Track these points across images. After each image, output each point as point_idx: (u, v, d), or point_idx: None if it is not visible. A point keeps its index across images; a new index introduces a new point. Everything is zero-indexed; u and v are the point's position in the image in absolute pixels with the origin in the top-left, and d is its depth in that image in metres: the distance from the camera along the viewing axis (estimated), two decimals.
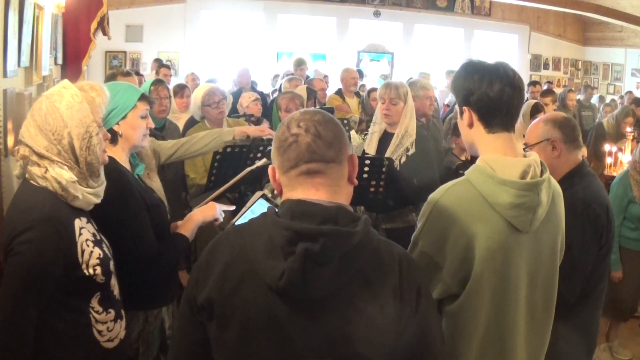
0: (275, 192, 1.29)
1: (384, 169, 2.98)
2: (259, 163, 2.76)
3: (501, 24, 11.40)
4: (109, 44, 7.69)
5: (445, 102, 6.86)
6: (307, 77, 6.33)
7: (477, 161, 1.51)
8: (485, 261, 1.42)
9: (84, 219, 1.65)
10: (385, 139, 3.28)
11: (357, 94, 6.01)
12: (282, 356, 1.15)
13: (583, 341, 2.17)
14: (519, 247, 1.46)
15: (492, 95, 1.47)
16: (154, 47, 9.37)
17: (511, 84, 1.48)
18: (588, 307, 2.18)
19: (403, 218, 3.24)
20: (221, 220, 2.20)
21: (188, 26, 9.78)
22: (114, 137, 2.01)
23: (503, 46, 11.50)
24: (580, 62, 12.16)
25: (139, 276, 1.93)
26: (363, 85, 7.57)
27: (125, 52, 9.30)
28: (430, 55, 11.00)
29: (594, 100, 8.76)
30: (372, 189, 3.00)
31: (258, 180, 2.95)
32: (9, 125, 2.54)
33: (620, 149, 5.31)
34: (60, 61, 4.74)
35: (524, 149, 1.66)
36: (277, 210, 1.22)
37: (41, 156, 1.58)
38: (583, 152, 2.29)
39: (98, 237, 1.69)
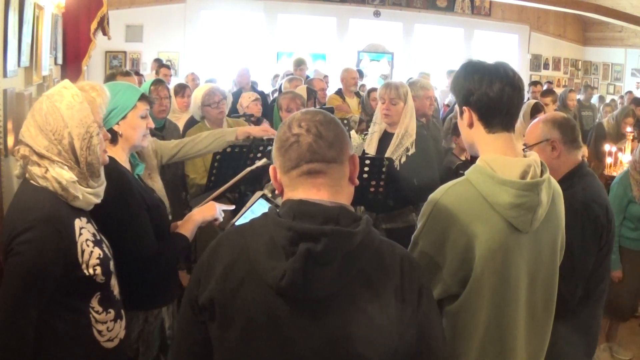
0: (277, 192, 1.29)
1: (384, 169, 2.98)
2: (259, 163, 2.76)
3: (501, 24, 11.41)
4: (109, 44, 7.70)
5: (446, 102, 6.86)
6: (307, 77, 6.33)
7: (477, 161, 1.51)
8: (485, 261, 1.42)
9: (84, 219, 1.65)
10: (385, 139, 3.28)
11: (357, 94, 6.01)
12: (283, 356, 1.15)
13: (583, 341, 2.17)
14: (519, 247, 1.46)
15: (492, 95, 1.47)
16: (154, 47, 9.37)
17: (511, 84, 1.48)
18: (588, 307, 2.18)
19: (403, 218, 3.24)
20: (221, 220, 2.20)
21: (188, 26, 9.79)
22: (114, 137, 2.01)
23: (503, 46, 11.50)
24: (580, 62, 12.17)
25: (139, 276, 1.93)
26: (363, 85, 7.57)
27: (125, 52, 9.31)
28: (430, 55, 11.01)
29: (594, 100, 8.76)
30: (372, 189, 3.00)
31: (258, 180, 2.96)
32: (9, 125, 2.54)
33: (620, 149, 5.31)
34: (60, 61, 4.74)
35: (523, 149, 1.66)
36: (278, 210, 1.22)
37: (41, 156, 1.58)
38: (583, 152, 2.29)
39: (98, 237, 1.69)
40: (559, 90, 7.88)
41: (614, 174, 4.84)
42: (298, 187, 1.22)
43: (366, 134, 3.60)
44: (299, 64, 6.42)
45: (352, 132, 4.39)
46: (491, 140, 1.50)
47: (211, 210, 2.16)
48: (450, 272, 1.45)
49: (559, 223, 1.58)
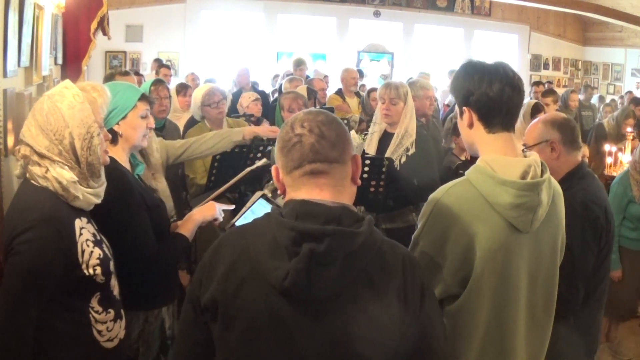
0: (279, 192, 1.29)
1: (384, 169, 2.98)
2: (259, 163, 2.76)
3: (501, 24, 11.41)
4: (109, 44, 7.70)
5: (446, 102, 6.86)
6: (307, 77, 6.33)
7: (478, 161, 1.51)
8: (485, 261, 1.42)
9: (85, 219, 1.65)
10: (385, 139, 3.28)
11: (357, 94, 6.01)
12: (285, 356, 1.15)
13: (583, 341, 2.17)
14: (520, 247, 1.46)
15: (492, 95, 1.47)
16: (154, 47, 9.37)
17: (511, 84, 1.48)
18: (588, 307, 2.18)
19: (403, 218, 3.24)
20: (221, 220, 2.20)
21: (188, 26, 9.79)
22: (114, 137, 2.01)
23: (503, 46, 11.50)
24: (580, 62, 12.17)
25: (139, 276, 1.93)
26: (363, 85, 7.57)
27: (125, 52, 9.31)
28: (430, 55, 11.01)
29: (594, 100, 8.77)
30: (372, 189, 3.00)
31: (258, 180, 2.96)
32: (9, 125, 2.54)
33: (620, 149, 5.31)
34: (60, 61, 4.74)
35: (522, 150, 1.66)
36: (280, 210, 1.22)
37: (42, 156, 1.58)
38: (583, 152, 2.28)
39: (98, 237, 1.69)
40: (558, 91, 7.88)
41: (614, 174, 4.84)
42: (301, 187, 1.22)
43: (366, 134, 3.60)
44: (299, 64, 6.42)
45: (352, 132, 4.39)
46: (491, 141, 1.50)
47: (211, 210, 2.16)
48: (450, 272, 1.45)
49: (559, 223, 1.58)
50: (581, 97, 8.03)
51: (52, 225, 1.52)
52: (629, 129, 5.51)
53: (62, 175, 1.57)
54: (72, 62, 4.92)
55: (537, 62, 11.85)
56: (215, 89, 3.74)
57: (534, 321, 1.53)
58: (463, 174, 1.51)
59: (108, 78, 3.66)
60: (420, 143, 3.17)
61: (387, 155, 3.14)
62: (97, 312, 1.64)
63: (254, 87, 6.46)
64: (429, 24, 11.05)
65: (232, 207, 2.29)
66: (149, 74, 7.57)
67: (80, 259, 1.58)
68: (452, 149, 4.15)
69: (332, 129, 1.22)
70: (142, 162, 2.28)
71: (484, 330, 1.46)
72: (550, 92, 5.50)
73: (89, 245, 1.61)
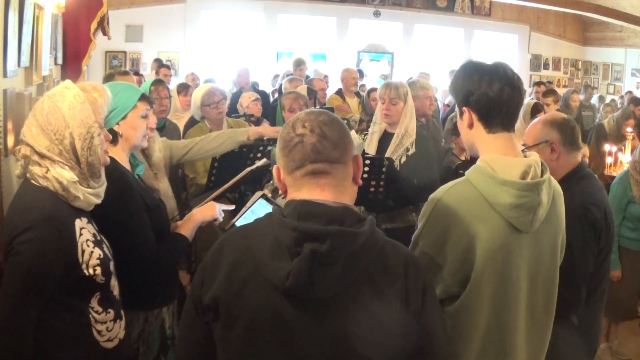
0: (280, 192, 1.29)
1: (384, 169, 2.98)
2: (259, 163, 2.76)
3: (501, 24, 11.41)
4: (109, 44, 7.70)
5: (446, 102, 6.86)
6: (307, 77, 6.33)
7: (478, 161, 1.51)
8: (485, 261, 1.42)
9: (85, 219, 1.65)
10: (385, 139, 3.28)
11: (357, 94, 6.01)
12: (287, 356, 1.16)
13: (584, 342, 2.16)
14: (520, 247, 1.46)
15: (491, 95, 1.47)
16: (154, 47, 9.37)
17: (510, 84, 1.48)
18: (589, 307, 2.17)
19: (403, 218, 3.24)
20: (221, 220, 2.21)
21: (188, 26, 9.79)
22: (114, 138, 2.01)
23: (503, 46, 11.50)
24: (580, 62, 12.16)
25: (139, 276, 1.93)
26: (363, 85, 7.57)
27: (125, 52, 9.31)
28: (430, 55, 11.01)
29: (594, 100, 8.77)
30: (372, 189, 3.00)
31: (258, 180, 2.96)
32: (9, 125, 2.54)
33: (620, 149, 5.31)
34: (60, 61, 4.74)
35: (522, 150, 1.66)
36: (282, 210, 1.22)
37: (42, 156, 1.58)
38: (584, 152, 2.27)
39: (98, 238, 1.69)
40: (558, 91, 7.88)
41: (614, 174, 4.84)
42: (302, 187, 1.22)
43: (366, 134, 3.60)
44: (299, 64, 6.41)
45: (352, 132, 4.39)
46: (491, 141, 1.50)
47: (211, 210, 2.16)
48: (450, 272, 1.45)
49: (559, 223, 1.58)
50: (581, 97, 8.02)
51: (52, 225, 1.52)
52: (629, 129, 5.51)
53: (62, 175, 1.57)
54: (72, 62, 4.92)
55: (537, 62, 11.85)
56: (215, 89, 3.74)
57: (534, 321, 1.53)
58: (463, 174, 1.51)
59: (107, 78, 3.67)
60: (420, 143, 3.17)
61: (387, 155, 3.14)
62: (97, 312, 1.65)
63: (254, 87, 6.46)
64: (429, 24, 11.05)
65: (232, 207, 2.29)
66: (149, 74, 7.57)
67: (81, 259, 1.58)
68: (452, 149, 4.15)
69: (333, 129, 1.22)
70: (142, 162, 2.28)
71: (484, 330, 1.46)
72: (550, 92, 5.50)
73: (89, 246, 1.61)
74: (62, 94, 1.61)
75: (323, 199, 1.20)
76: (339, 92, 5.91)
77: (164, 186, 2.39)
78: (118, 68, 6.41)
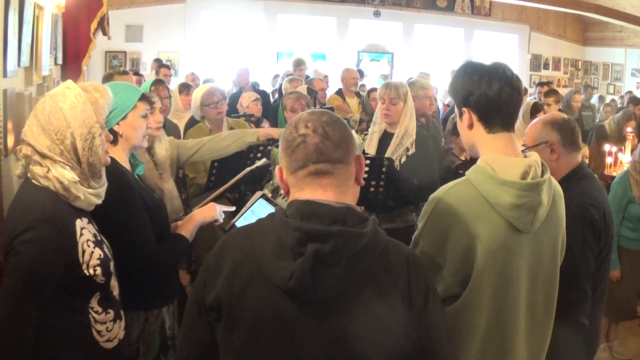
0: (283, 192, 1.29)
1: (384, 169, 2.99)
2: (259, 163, 2.76)
3: (501, 24, 11.40)
4: (109, 44, 7.69)
5: (446, 102, 6.85)
6: (307, 77, 6.33)
7: (478, 161, 1.51)
8: (486, 261, 1.42)
9: (85, 220, 1.65)
10: (385, 139, 3.28)
11: (358, 94, 6.01)
12: (289, 356, 1.16)
13: (584, 342, 2.16)
14: (520, 247, 1.46)
15: (491, 95, 1.47)
16: (154, 47, 9.37)
17: (510, 84, 1.48)
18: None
19: (403, 218, 3.24)
20: (221, 221, 2.20)
21: (188, 26, 9.79)
22: (114, 138, 2.01)
23: (503, 46, 11.50)
24: (580, 62, 12.16)
25: (139, 277, 1.93)
26: (363, 85, 7.56)
27: (125, 52, 9.31)
28: (430, 55, 11.00)
29: (594, 100, 8.77)
30: (372, 189, 3.00)
31: (258, 180, 2.96)
32: (9, 125, 2.54)
33: (620, 149, 5.32)
34: (60, 61, 4.74)
35: (522, 150, 1.66)
36: (284, 210, 1.22)
37: (43, 156, 1.58)
38: (584, 152, 2.26)
39: (99, 238, 1.69)
40: (559, 91, 7.87)
41: (614, 174, 4.84)
42: (305, 187, 1.22)
43: (366, 134, 3.60)
44: (299, 64, 6.41)
45: (352, 132, 4.38)
46: (491, 141, 1.51)
47: (211, 211, 2.16)
48: (450, 272, 1.45)
49: (559, 223, 1.58)
50: (581, 97, 8.03)
51: (53, 225, 1.52)
52: (629, 129, 5.51)
53: (63, 175, 1.57)
54: (72, 62, 4.91)
55: (537, 62, 11.85)
56: (215, 89, 3.74)
57: (534, 321, 1.53)
58: (463, 174, 1.51)
59: (107, 78, 3.67)
60: (420, 143, 3.17)
61: (387, 155, 3.14)
62: (96, 312, 1.65)
63: (254, 87, 6.45)
64: (429, 24, 11.04)
65: (233, 208, 2.29)
66: (149, 74, 7.57)
67: (81, 259, 1.58)
68: (452, 149, 4.15)
69: (336, 129, 1.23)
70: (142, 163, 2.28)
71: (484, 330, 1.46)
72: (552, 92, 5.50)
73: (90, 246, 1.61)
74: (64, 94, 1.61)
75: (326, 199, 1.20)
76: (339, 92, 5.91)
77: (169, 186, 2.38)
78: (117, 68, 6.40)
